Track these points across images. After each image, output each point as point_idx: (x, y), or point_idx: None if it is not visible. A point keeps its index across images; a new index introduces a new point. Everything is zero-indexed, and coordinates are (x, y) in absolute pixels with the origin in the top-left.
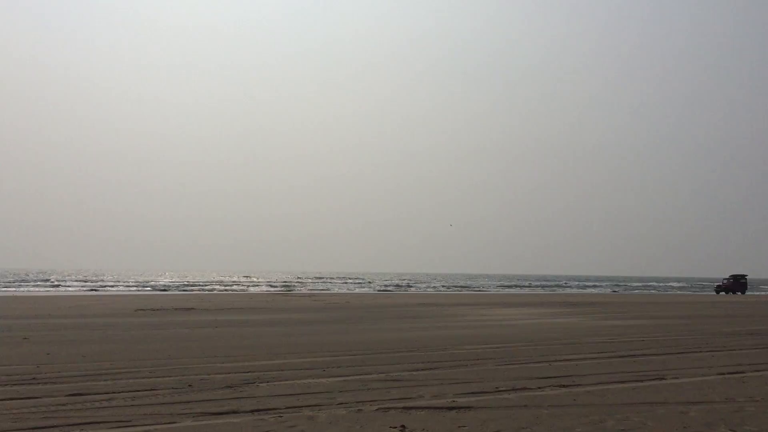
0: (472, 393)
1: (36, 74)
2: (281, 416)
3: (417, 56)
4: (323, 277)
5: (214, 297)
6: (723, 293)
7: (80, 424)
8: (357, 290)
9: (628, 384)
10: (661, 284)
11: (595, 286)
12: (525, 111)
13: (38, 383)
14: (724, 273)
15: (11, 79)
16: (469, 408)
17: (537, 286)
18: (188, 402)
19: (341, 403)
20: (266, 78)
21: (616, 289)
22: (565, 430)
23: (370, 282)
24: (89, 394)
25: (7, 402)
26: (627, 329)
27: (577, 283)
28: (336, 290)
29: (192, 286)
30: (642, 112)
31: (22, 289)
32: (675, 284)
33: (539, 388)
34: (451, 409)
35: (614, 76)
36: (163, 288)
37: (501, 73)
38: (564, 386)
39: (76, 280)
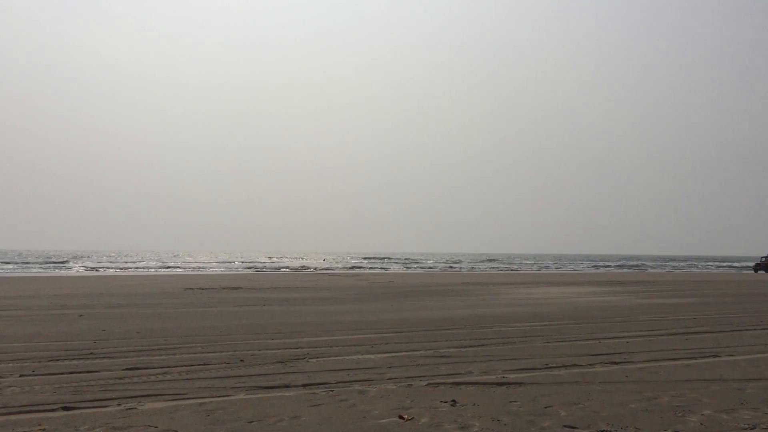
0: (522, 369)
1: (91, 62)
2: (332, 390)
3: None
4: (369, 257)
5: (260, 276)
6: (762, 272)
7: (138, 396)
8: (401, 270)
9: (681, 361)
10: (699, 263)
11: (634, 266)
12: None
13: (96, 358)
14: (750, 252)
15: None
16: (519, 384)
17: (580, 265)
18: (241, 376)
19: (391, 378)
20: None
21: (661, 268)
22: (618, 405)
23: (415, 261)
24: (145, 368)
25: (67, 375)
26: (676, 307)
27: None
28: (379, 270)
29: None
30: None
31: (65, 270)
32: (711, 263)
33: (590, 365)
34: (501, 384)
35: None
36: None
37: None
38: (615, 363)
39: (112, 262)
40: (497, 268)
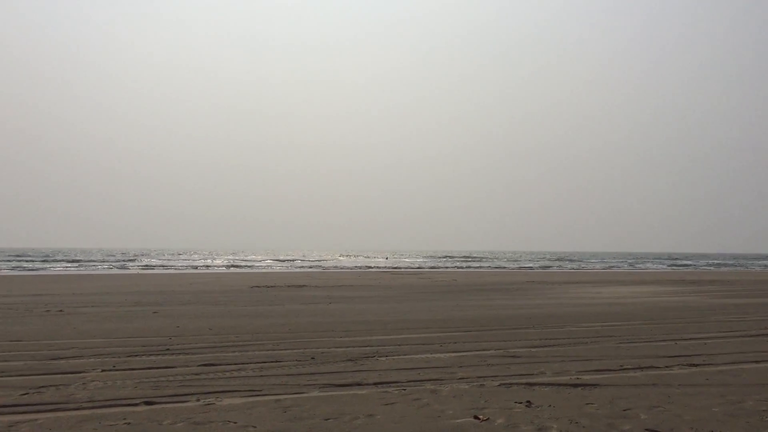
0: (596, 371)
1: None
2: (404, 389)
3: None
4: (433, 256)
5: (323, 275)
6: None
7: (215, 392)
8: (463, 268)
9: (765, 364)
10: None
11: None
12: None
13: (171, 354)
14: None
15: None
16: (595, 385)
17: (648, 263)
18: (312, 374)
19: (462, 378)
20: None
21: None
22: (701, 409)
23: (477, 259)
24: (220, 364)
25: (146, 371)
26: (755, 308)
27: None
28: (442, 268)
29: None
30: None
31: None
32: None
33: (667, 366)
34: (576, 386)
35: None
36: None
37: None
38: (694, 365)
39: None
40: (563, 266)
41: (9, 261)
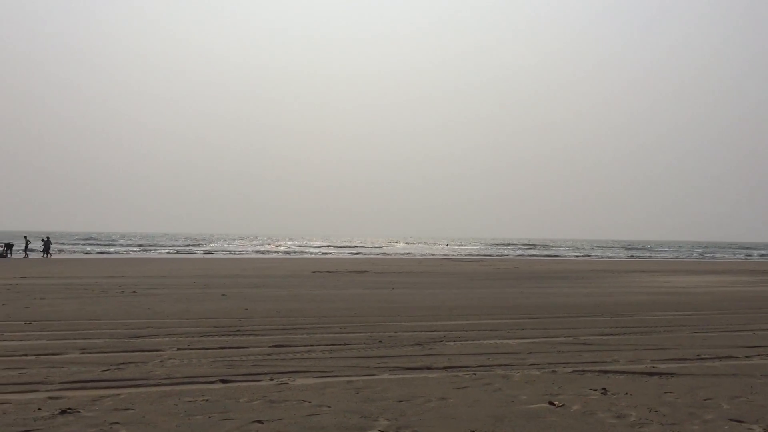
0: (672, 360)
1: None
2: (475, 374)
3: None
4: (493, 243)
5: (384, 261)
6: None
7: (288, 372)
8: (524, 255)
9: None
10: None
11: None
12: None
13: (242, 335)
14: None
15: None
16: (672, 374)
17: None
18: (382, 357)
19: (533, 364)
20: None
21: None
22: None
23: (539, 246)
24: (290, 345)
25: (219, 350)
26: None
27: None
28: (504, 256)
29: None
30: None
31: (194, 253)
32: None
33: (747, 357)
34: (652, 374)
35: None
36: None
37: None
38: None
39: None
40: (631, 255)
41: (78, 244)
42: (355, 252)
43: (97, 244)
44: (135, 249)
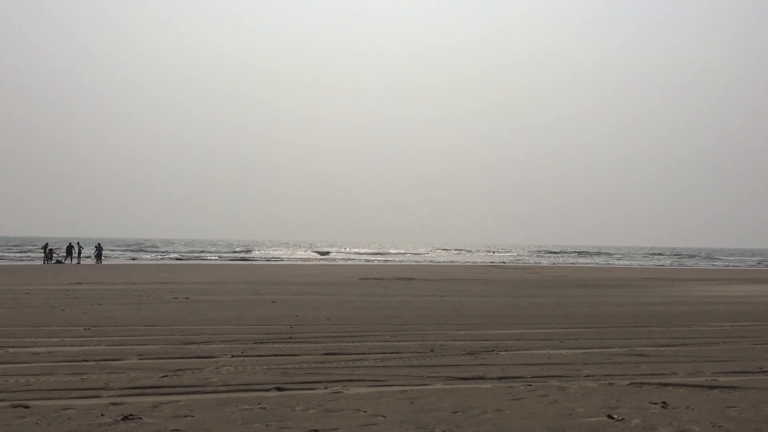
0: (733, 372)
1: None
2: (530, 385)
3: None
4: (535, 251)
5: (429, 267)
6: None
7: (341, 381)
8: (572, 263)
9: None
10: None
11: None
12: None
13: (294, 342)
14: None
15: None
16: (734, 388)
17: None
18: (434, 366)
19: (589, 376)
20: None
21: None
22: None
23: (590, 254)
24: (342, 353)
25: (273, 357)
26: None
27: None
28: (551, 264)
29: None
30: None
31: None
32: None
33: None
34: (713, 388)
35: None
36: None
37: None
38: None
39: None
40: (683, 263)
41: (123, 250)
42: (399, 259)
43: (142, 251)
44: (180, 255)
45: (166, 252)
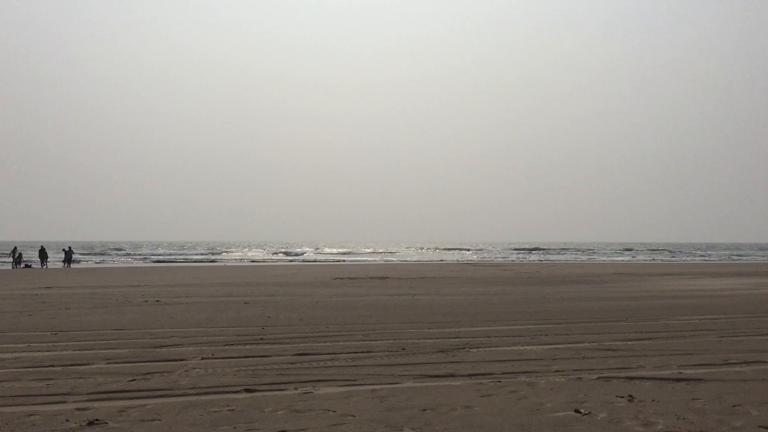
0: (699, 365)
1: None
2: (500, 381)
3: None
4: (509, 249)
5: (403, 266)
6: None
7: (311, 381)
8: (541, 260)
9: None
10: None
11: None
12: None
13: (266, 343)
14: None
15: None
16: (699, 380)
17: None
18: (405, 364)
19: (558, 371)
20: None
21: None
22: None
23: (561, 250)
24: (313, 354)
25: (243, 359)
26: None
27: None
28: (524, 261)
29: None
30: None
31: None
32: None
33: None
34: (679, 380)
35: None
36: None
37: None
38: None
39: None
40: (654, 258)
41: (96, 254)
42: (373, 258)
43: (110, 254)
44: (151, 257)
45: (138, 255)
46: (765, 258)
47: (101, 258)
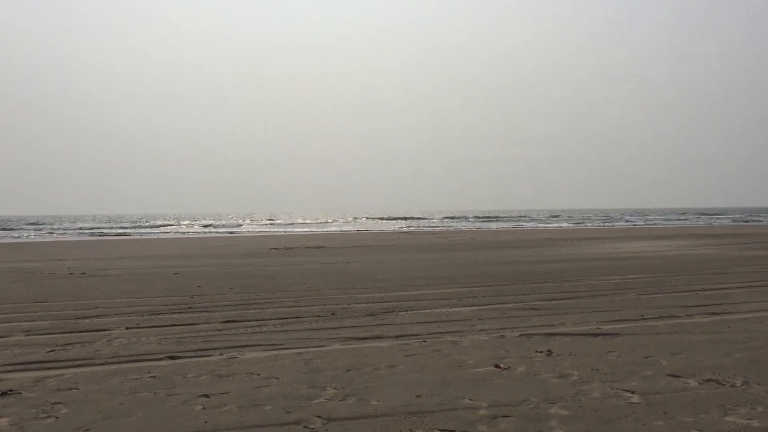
0: (617, 321)
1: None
2: (425, 341)
3: None
4: (449, 216)
5: (341, 236)
6: None
7: (237, 347)
8: (477, 228)
9: None
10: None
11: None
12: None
13: (194, 311)
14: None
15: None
16: (615, 335)
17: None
18: (334, 328)
19: (482, 330)
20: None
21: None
22: (723, 355)
23: (496, 218)
24: (241, 321)
25: (170, 328)
26: None
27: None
28: (459, 228)
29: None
30: None
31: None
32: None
33: (688, 315)
34: (596, 335)
35: None
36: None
37: None
38: (716, 314)
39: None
40: (583, 224)
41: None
42: (312, 229)
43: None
44: (82, 231)
45: (67, 229)
46: (699, 222)
47: (25, 232)
